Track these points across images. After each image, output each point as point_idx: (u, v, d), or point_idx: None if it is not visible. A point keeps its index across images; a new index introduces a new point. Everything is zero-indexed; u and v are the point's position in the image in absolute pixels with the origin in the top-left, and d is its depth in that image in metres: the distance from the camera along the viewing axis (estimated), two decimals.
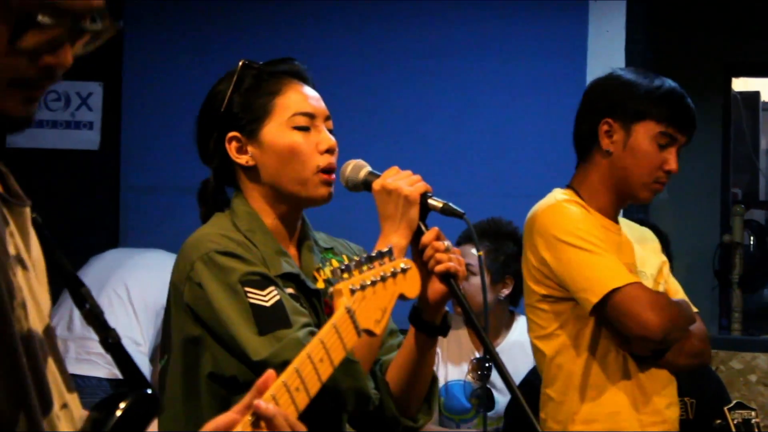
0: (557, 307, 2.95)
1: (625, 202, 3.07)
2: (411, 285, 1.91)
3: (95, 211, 5.63)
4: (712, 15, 6.22)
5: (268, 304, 2.25)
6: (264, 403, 1.50)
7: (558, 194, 3.01)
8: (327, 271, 2.47)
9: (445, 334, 2.47)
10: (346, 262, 1.77)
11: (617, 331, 2.90)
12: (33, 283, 1.31)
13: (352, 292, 1.75)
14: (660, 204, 5.90)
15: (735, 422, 3.08)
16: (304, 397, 1.60)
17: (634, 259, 3.04)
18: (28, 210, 1.33)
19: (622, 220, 3.15)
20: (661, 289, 3.05)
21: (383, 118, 5.49)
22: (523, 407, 2.23)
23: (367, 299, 1.78)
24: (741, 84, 6.89)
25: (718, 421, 3.12)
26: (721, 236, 6.16)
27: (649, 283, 3.00)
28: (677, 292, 3.10)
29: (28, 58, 1.28)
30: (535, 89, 5.44)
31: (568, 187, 3.07)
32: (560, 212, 2.95)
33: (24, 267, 1.30)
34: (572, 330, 2.95)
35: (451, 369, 4.36)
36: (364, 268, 1.80)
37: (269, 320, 2.25)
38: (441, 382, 4.31)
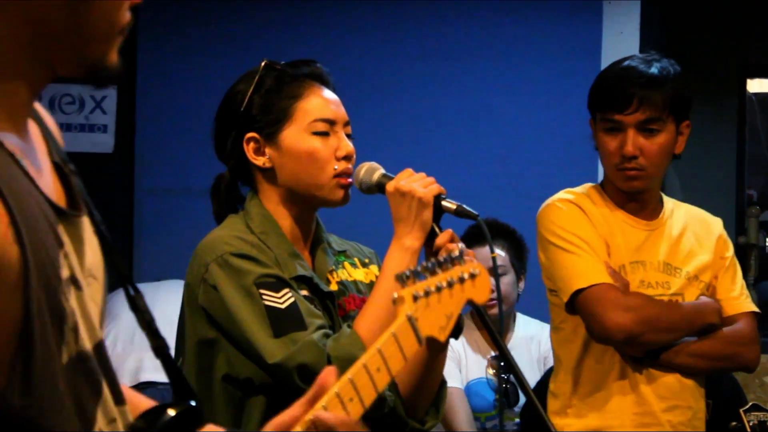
0: (558, 300, 2.97)
1: (628, 193, 3.03)
2: (480, 290, 1.83)
3: (109, 214, 5.59)
4: (726, 16, 6.21)
5: (282, 306, 2.26)
6: (323, 414, 1.49)
7: (561, 193, 3.03)
8: (340, 274, 2.47)
9: (456, 337, 2.46)
10: (411, 268, 1.70)
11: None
12: (86, 302, 1.31)
13: (415, 299, 1.69)
14: None
15: (750, 424, 3.06)
16: (359, 408, 1.57)
17: (664, 256, 3.00)
18: (85, 219, 1.32)
19: (685, 209, 3.13)
20: (699, 287, 3.01)
21: (397, 119, 5.49)
22: (536, 406, 2.22)
23: (431, 306, 1.72)
24: (756, 85, 6.87)
25: (734, 423, 3.10)
26: (736, 238, 6.14)
27: (680, 281, 2.99)
28: (728, 291, 3.06)
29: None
30: (549, 90, 5.43)
31: (601, 182, 3.09)
32: (549, 212, 2.98)
33: (78, 287, 1.29)
34: (571, 324, 2.96)
35: (471, 369, 4.38)
36: (432, 272, 1.74)
37: (284, 322, 2.25)
38: (463, 383, 4.34)
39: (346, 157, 2.41)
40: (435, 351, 2.40)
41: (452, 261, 1.77)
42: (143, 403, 1.49)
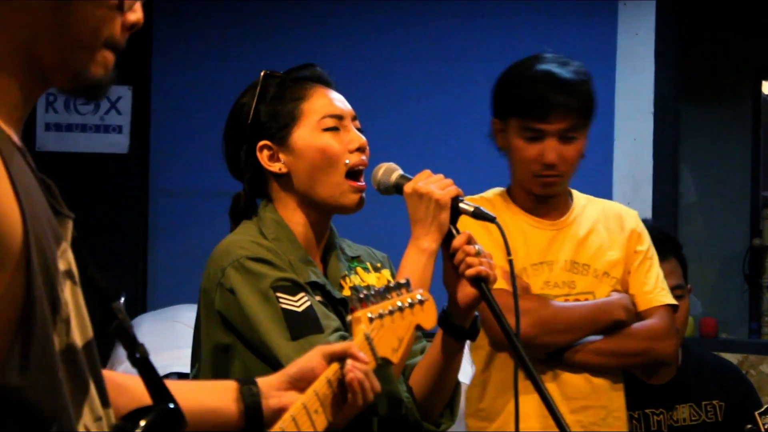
0: None
1: (538, 196, 3.00)
2: (428, 316, 1.93)
3: (124, 215, 5.65)
4: (741, 17, 6.19)
5: (299, 310, 2.26)
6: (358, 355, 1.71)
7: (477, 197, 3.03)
8: (353, 279, 2.47)
9: (473, 339, 2.46)
10: (365, 291, 1.79)
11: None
12: (80, 298, 1.32)
13: (371, 320, 1.77)
14: (689, 207, 5.87)
15: (766, 427, 3.06)
16: (323, 420, 1.69)
17: (570, 255, 2.98)
18: (71, 223, 1.34)
19: (598, 206, 3.10)
20: (610, 284, 2.98)
21: (413, 121, 5.49)
22: (551, 405, 2.22)
23: (385, 327, 1.80)
24: None
25: (749, 426, 3.10)
26: (751, 240, 6.13)
27: (588, 279, 2.96)
28: (641, 285, 3.02)
29: (121, 16, 1.30)
30: None
31: (508, 186, 3.07)
32: None
33: (74, 282, 1.31)
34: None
35: None
36: (382, 297, 1.82)
37: (301, 325, 2.25)
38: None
39: (359, 149, 2.41)
40: (452, 353, 2.40)
41: (400, 287, 1.85)
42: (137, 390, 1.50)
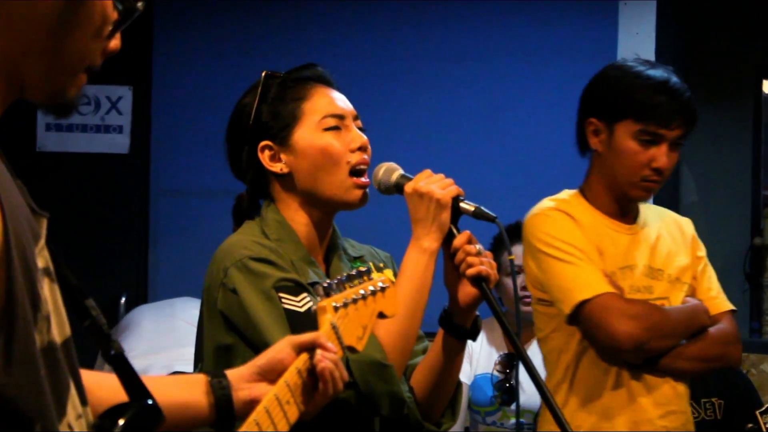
0: (550, 310, 2.95)
1: (627, 199, 3.01)
2: (390, 303, 1.93)
3: (125, 215, 5.65)
4: (742, 17, 6.18)
5: (301, 310, 2.25)
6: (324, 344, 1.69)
7: (545, 201, 3.01)
8: None
9: (474, 339, 2.46)
10: (328, 281, 1.80)
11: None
12: (57, 296, 1.32)
13: (336, 309, 1.78)
14: (690, 206, 5.87)
15: (767, 426, 3.06)
16: (295, 410, 1.70)
17: (647, 260, 2.99)
18: (45, 222, 1.35)
19: (656, 212, 3.12)
20: (682, 289, 3.01)
21: (415, 121, 5.49)
22: (553, 406, 2.22)
23: (350, 316, 1.81)
24: None
25: (750, 425, 3.10)
26: (751, 239, 6.12)
27: (663, 284, 2.98)
28: (708, 291, 3.05)
29: (102, 44, 1.33)
30: (565, 91, 5.41)
31: (579, 188, 3.06)
32: (539, 221, 2.97)
33: (51, 279, 1.31)
34: (563, 334, 2.94)
35: (481, 363, 4.41)
36: (345, 286, 1.83)
37: (304, 326, 2.23)
38: (471, 378, 4.38)
39: (361, 148, 2.41)
40: (453, 353, 2.40)
41: (362, 275, 1.86)
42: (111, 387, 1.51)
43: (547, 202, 3.00)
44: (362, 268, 1.87)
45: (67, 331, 1.33)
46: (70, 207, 5.53)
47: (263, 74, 2.46)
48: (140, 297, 5.55)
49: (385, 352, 2.25)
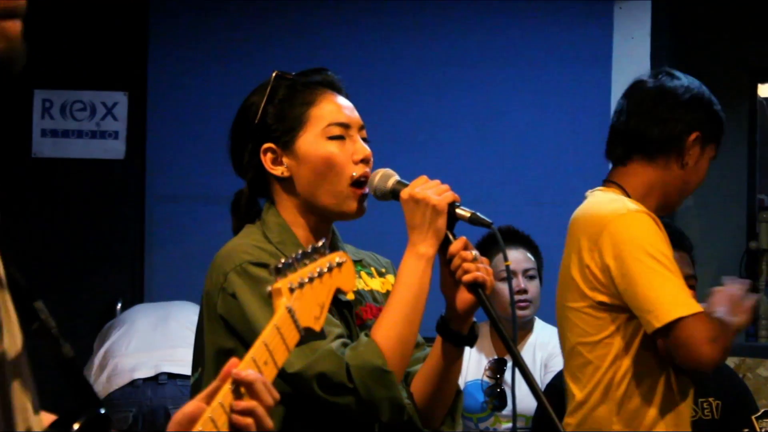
0: (612, 315, 2.88)
1: (666, 211, 3.02)
2: (346, 278, 1.87)
3: (121, 220, 5.64)
4: (738, 20, 6.19)
5: None
6: (243, 371, 1.56)
7: (629, 203, 2.90)
8: (356, 283, 2.46)
9: (472, 345, 2.46)
10: (282, 260, 1.73)
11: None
12: (9, 306, 1.29)
13: (291, 290, 1.72)
14: (686, 210, 5.87)
15: (763, 431, 3.06)
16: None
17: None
18: None
19: None
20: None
21: (410, 126, 5.49)
22: (548, 412, 2.22)
23: (306, 296, 1.75)
24: (767, 90, 6.85)
25: (746, 430, 3.10)
26: (747, 243, 6.13)
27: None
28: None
29: None
30: (561, 95, 5.43)
31: (612, 185, 3.00)
32: (634, 224, 2.86)
33: (2, 286, 1.28)
34: (622, 342, 2.88)
35: (471, 370, 4.41)
36: (300, 265, 1.76)
37: None
38: (461, 384, 4.38)
39: (364, 160, 2.40)
40: (451, 359, 2.39)
41: (317, 251, 1.79)
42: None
43: (630, 204, 2.90)
44: (317, 245, 1.79)
45: (18, 338, 1.29)
46: (65, 213, 5.53)
47: (273, 74, 2.45)
48: (136, 302, 5.53)
49: (385, 358, 2.25)
